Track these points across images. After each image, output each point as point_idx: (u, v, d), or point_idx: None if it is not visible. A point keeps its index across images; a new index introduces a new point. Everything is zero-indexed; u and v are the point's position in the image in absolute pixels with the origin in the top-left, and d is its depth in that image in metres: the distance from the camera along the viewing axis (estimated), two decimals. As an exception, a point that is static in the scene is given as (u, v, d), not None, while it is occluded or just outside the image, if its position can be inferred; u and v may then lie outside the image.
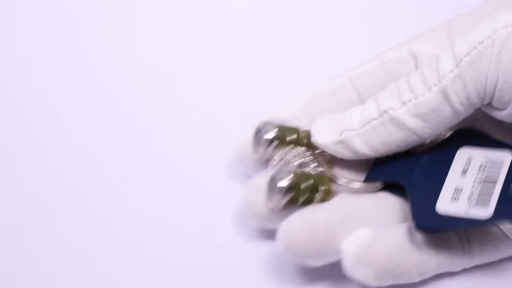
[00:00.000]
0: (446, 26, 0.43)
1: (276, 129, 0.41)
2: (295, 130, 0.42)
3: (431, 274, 0.39)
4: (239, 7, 0.53)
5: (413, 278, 0.39)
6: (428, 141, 0.41)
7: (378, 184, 0.41)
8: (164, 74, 0.51)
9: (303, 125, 0.42)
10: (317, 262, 0.39)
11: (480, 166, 0.40)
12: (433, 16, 0.45)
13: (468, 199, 0.38)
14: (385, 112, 0.39)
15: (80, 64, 0.51)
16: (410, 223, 0.39)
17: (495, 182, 0.39)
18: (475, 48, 0.38)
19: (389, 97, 0.40)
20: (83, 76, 0.50)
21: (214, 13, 0.53)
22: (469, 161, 0.40)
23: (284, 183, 0.39)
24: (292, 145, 0.42)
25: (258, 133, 0.42)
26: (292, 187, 0.39)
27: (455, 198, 0.39)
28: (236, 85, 0.50)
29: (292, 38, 0.52)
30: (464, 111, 0.39)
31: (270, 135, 0.41)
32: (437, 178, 0.40)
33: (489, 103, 0.39)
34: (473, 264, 0.40)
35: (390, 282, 0.39)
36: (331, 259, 0.39)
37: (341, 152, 0.41)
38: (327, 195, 0.40)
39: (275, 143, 0.41)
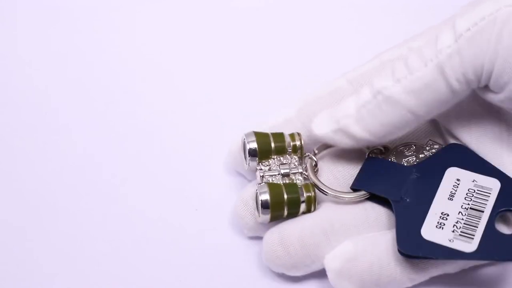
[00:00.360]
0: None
1: (258, 139, 0.41)
2: (281, 136, 0.42)
3: (424, 278, 0.39)
4: (239, 7, 0.53)
5: (404, 284, 0.39)
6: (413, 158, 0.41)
7: (364, 194, 0.41)
8: (164, 74, 0.51)
9: (296, 130, 0.42)
10: (298, 273, 0.40)
11: (468, 191, 0.40)
12: (433, 16, 0.45)
13: (453, 228, 0.38)
14: (379, 92, 0.39)
15: (80, 64, 0.51)
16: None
17: (481, 211, 0.39)
18: (476, 24, 0.37)
19: (383, 77, 0.39)
20: (83, 76, 0.50)
21: (214, 13, 0.53)
22: (457, 185, 0.40)
23: (266, 199, 0.40)
24: (277, 153, 0.42)
25: (243, 144, 0.42)
26: (275, 202, 0.40)
27: (440, 225, 0.38)
28: (236, 85, 0.50)
29: (292, 38, 0.52)
30: (460, 90, 0.38)
31: (252, 145, 0.41)
32: (424, 198, 0.40)
33: (486, 86, 0.38)
34: (471, 264, 0.40)
35: None
36: (314, 268, 0.40)
37: (341, 140, 0.40)
38: (312, 203, 0.40)
39: (259, 153, 0.41)
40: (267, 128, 0.43)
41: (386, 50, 0.43)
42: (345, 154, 0.42)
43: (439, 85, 0.38)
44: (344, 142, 0.40)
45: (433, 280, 0.40)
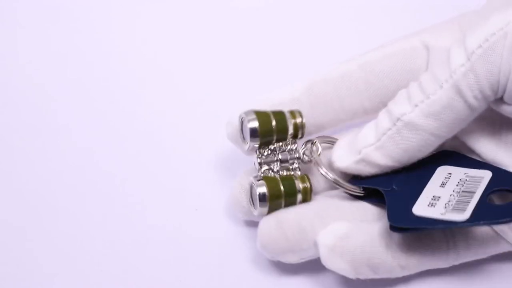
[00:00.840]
0: (457, 22, 0.42)
1: (258, 118, 0.40)
2: (282, 114, 0.41)
3: (415, 269, 0.39)
4: (239, 7, 0.53)
5: (394, 271, 0.39)
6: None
7: (358, 188, 0.41)
8: (164, 74, 0.51)
9: (303, 111, 0.41)
10: (293, 258, 0.40)
11: (460, 180, 0.40)
12: (433, 16, 0.45)
13: (445, 205, 0.38)
14: (398, 119, 0.39)
15: (80, 64, 0.51)
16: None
17: (473, 193, 0.39)
18: (487, 40, 0.37)
19: (400, 103, 0.39)
20: (83, 76, 0.50)
21: (214, 13, 0.53)
22: (449, 176, 0.40)
23: (264, 192, 0.40)
24: (278, 133, 0.41)
25: (242, 123, 0.41)
26: (273, 195, 0.40)
27: (432, 204, 0.38)
28: (237, 86, 0.50)
29: (292, 38, 0.52)
30: (478, 106, 0.38)
31: (253, 124, 0.40)
32: (415, 188, 0.40)
33: (500, 98, 0.38)
34: (460, 261, 0.40)
35: (369, 274, 0.39)
36: (308, 254, 0.40)
37: (364, 170, 0.40)
38: (308, 194, 0.40)
39: (261, 133, 0.40)
40: (272, 105, 0.42)
41: (398, 38, 0.43)
42: None
43: (457, 105, 0.38)
44: (368, 170, 0.40)
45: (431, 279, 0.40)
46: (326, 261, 0.39)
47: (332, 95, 0.42)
